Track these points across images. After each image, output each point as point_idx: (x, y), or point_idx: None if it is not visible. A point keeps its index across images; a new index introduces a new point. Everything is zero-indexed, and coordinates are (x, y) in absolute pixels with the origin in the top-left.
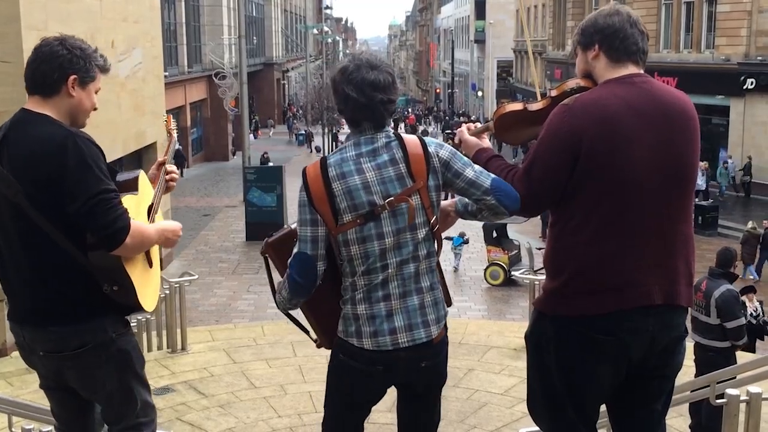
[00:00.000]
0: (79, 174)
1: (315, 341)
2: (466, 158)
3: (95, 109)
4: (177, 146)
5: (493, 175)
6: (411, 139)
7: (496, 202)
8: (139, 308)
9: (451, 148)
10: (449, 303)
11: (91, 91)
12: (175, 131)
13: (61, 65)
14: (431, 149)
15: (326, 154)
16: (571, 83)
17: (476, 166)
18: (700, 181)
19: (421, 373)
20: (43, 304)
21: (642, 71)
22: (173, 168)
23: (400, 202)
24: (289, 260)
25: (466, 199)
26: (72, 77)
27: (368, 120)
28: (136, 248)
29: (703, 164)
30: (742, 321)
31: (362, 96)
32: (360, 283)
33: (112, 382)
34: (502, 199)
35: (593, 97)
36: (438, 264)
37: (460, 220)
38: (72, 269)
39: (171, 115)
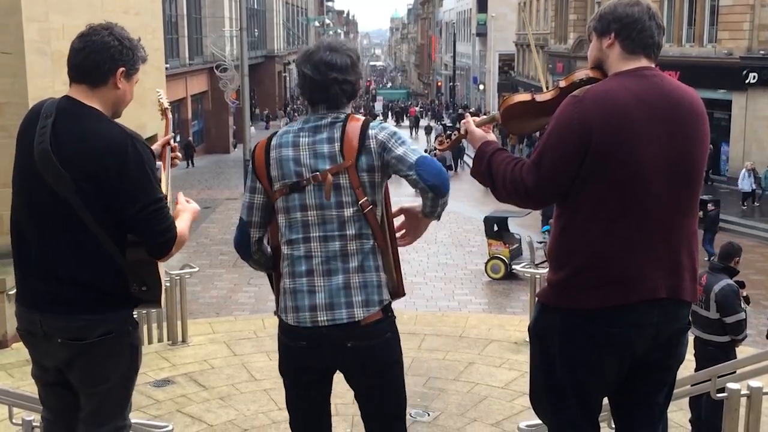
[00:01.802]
0: (138, 178)
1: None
2: (404, 138)
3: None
4: (189, 138)
5: (422, 153)
6: (355, 121)
7: (416, 177)
8: (158, 306)
9: (394, 130)
10: (400, 293)
11: (133, 83)
12: (168, 110)
13: (113, 56)
14: (371, 132)
15: None
16: (581, 74)
17: (411, 145)
18: (746, 183)
19: (349, 354)
20: (73, 295)
21: (654, 65)
22: (176, 145)
23: (324, 177)
24: None
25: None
26: (121, 69)
27: (323, 101)
28: (175, 253)
29: (748, 163)
30: (742, 316)
31: (317, 74)
32: (286, 253)
33: (117, 375)
34: (423, 174)
35: (604, 89)
36: (392, 250)
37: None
38: (106, 265)
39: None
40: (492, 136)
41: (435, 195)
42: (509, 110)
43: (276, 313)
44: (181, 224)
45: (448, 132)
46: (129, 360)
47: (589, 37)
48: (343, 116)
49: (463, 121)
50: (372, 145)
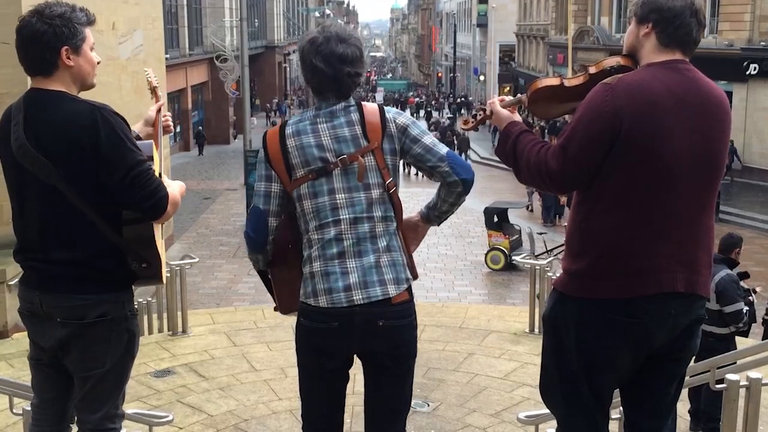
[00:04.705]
0: (113, 147)
1: (275, 305)
2: (423, 126)
3: (98, 63)
4: (199, 127)
5: (446, 147)
6: (370, 105)
7: (449, 170)
8: (159, 282)
9: (409, 116)
10: (414, 275)
11: (86, 52)
12: (158, 88)
13: (48, 43)
14: (389, 115)
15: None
16: (611, 61)
17: (432, 136)
18: None
19: (380, 335)
20: (72, 275)
21: (688, 59)
22: (168, 114)
23: (352, 160)
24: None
25: (431, 198)
26: (64, 49)
27: (333, 91)
28: (172, 214)
29: None
30: (741, 305)
31: (330, 68)
32: (314, 238)
33: (113, 360)
34: (456, 167)
35: (636, 79)
36: (402, 233)
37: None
38: (103, 246)
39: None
40: (518, 117)
41: (464, 190)
42: (537, 93)
43: (300, 299)
44: (176, 189)
45: (474, 111)
46: (125, 345)
47: (629, 21)
48: (353, 101)
49: (489, 101)
50: (392, 130)
